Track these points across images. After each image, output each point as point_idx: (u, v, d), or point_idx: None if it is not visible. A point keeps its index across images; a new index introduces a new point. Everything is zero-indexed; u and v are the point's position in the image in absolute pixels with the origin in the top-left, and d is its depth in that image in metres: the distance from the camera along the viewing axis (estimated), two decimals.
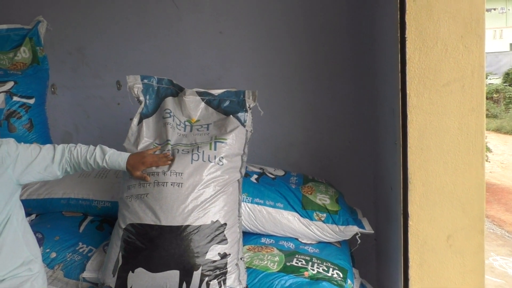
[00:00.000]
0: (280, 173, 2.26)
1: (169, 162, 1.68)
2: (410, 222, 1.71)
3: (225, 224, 1.66)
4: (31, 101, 2.39)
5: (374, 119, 2.38)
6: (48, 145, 1.65)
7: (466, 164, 1.65)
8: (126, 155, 1.67)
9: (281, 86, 2.53)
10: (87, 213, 2.16)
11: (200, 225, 1.62)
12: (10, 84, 2.34)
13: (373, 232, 1.94)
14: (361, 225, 1.96)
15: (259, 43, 2.51)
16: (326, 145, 2.56)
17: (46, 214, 2.16)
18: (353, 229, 1.93)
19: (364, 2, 2.40)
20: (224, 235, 1.64)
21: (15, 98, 2.33)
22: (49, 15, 2.58)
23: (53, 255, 1.91)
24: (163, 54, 2.59)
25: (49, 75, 2.56)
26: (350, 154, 2.55)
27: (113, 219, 2.11)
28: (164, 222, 1.60)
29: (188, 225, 1.60)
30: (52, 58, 2.60)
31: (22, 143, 1.65)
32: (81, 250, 1.94)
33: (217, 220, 1.65)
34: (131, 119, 1.91)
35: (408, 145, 1.67)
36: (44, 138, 2.45)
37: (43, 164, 1.60)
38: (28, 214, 2.14)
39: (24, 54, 2.53)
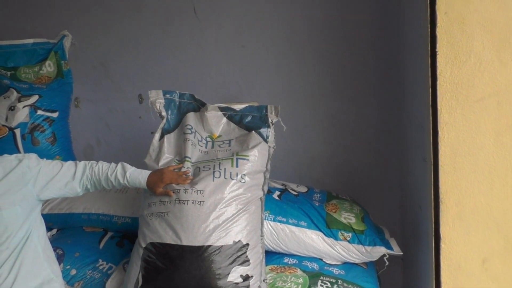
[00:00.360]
0: (303, 189, 2.20)
1: (189, 181, 1.64)
2: (442, 245, 1.62)
3: (248, 244, 1.61)
4: (55, 115, 2.41)
5: (400, 134, 2.30)
6: (69, 162, 1.64)
7: (502, 184, 1.56)
8: (146, 173, 1.65)
9: (304, 100, 2.48)
10: (107, 229, 2.14)
11: (222, 246, 1.57)
12: (34, 98, 2.36)
13: (401, 253, 1.85)
14: (389, 246, 1.87)
15: (281, 57, 2.47)
16: (350, 160, 2.49)
17: (67, 229, 2.15)
18: (381, 250, 1.84)
19: (389, 15, 2.34)
20: (247, 256, 1.59)
21: (39, 112, 2.35)
22: (74, 29, 2.59)
23: (73, 272, 1.89)
24: (185, 67, 2.58)
25: (73, 89, 2.58)
26: (375, 170, 2.46)
27: (133, 235, 2.08)
28: (185, 242, 1.56)
29: (209, 246, 1.56)
30: (76, 72, 2.61)
31: (45, 159, 1.65)
32: (101, 267, 1.92)
33: (239, 240, 1.60)
34: (153, 133, 1.89)
35: (440, 164, 1.59)
36: (66, 151, 2.45)
37: (64, 180, 1.59)
38: (49, 228, 2.14)
39: (49, 68, 2.55)
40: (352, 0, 2.37)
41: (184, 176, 1.65)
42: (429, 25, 1.56)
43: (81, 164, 1.63)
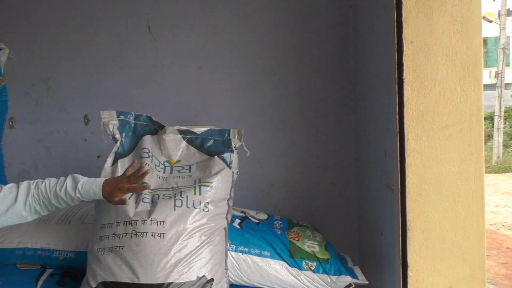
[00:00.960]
0: (263, 216, 2.11)
1: (149, 187, 1.48)
2: (409, 273, 1.60)
3: (212, 279, 1.49)
4: None
5: (361, 160, 2.31)
6: (10, 184, 1.43)
7: (466, 211, 1.58)
8: (100, 181, 1.45)
9: (263, 124, 2.42)
10: (46, 266, 1.89)
11: (185, 282, 1.43)
12: None
13: (367, 282, 1.81)
14: (354, 275, 1.82)
15: (240, 79, 2.42)
16: (308, 186, 2.46)
17: None
18: (346, 280, 1.79)
19: (348, 42, 2.38)
20: None
21: None
22: (12, 42, 2.36)
23: None
24: (137, 88, 2.44)
25: (8, 108, 2.33)
26: (333, 195, 2.45)
27: (76, 271, 1.87)
28: (143, 280, 1.40)
29: (170, 283, 1.41)
30: (12, 90, 2.37)
31: None
32: None
33: (203, 276, 1.47)
34: (99, 157, 1.73)
35: (407, 190, 1.59)
36: None
37: (4, 205, 1.37)
38: None
39: None
40: (312, 25, 2.39)
41: (141, 184, 1.47)
42: (396, 53, 1.58)
43: (23, 184, 1.42)
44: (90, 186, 1.44)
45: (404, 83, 1.56)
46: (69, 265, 1.87)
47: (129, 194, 1.58)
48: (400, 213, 1.62)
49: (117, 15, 2.42)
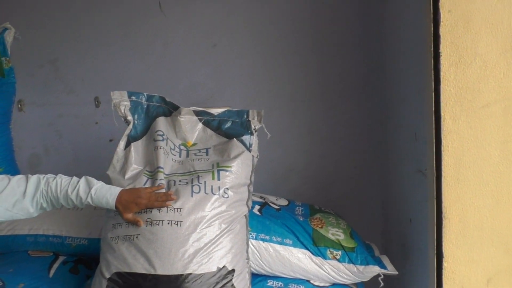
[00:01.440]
0: (284, 202, 2.00)
1: (170, 203, 1.38)
2: (445, 264, 1.48)
3: (233, 270, 1.39)
4: None
5: (386, 143, 2.17)
6: (19, 176, 1.34)
7: (509, 198, 1.45)
8: (116, 191, 1.37)
9: (282, 105, 2.30)
10: (58, 253, 1.83)
11: (204, 273, 1.33)
12: None
13: (396, 273, 1.70)
14: (382, 265, 1.71)
15: (258, 57, 2.28)
16: (329, 171, 2.34)
17: (9, 254, 1.81)
18: (374, 270, 1.68)
19: (372, 15, 2.22)
20: (233, 284, 1.37)
21: None
22: (18, 22, 2.26)
23: None
24: (149, 69, 2.32)
25: (16, 90, 2.24)
26: (356, 181, 2.33)
27: (90, 259, 1.80)
28: (159, 271, 1.31)
29: (189, 274, 1.32)
30: (20, 71, 2.26)
31: None
32: None
33: (223, 266, 1.37)
34: (111, 140, 1.63)
35: (443, 175, 1.46)
36: (7, 161, 2.11)
37: (11, 199, 1.29)
38: None
39: None
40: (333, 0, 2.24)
41: (164, 197, 1.38)
42: (431, 24, 1.43)
43: (33, 178, 1.33)
44: (104, 194, 1.35)
45: (441, 57, 1.42)
46: (82, 252, 1.81)
47: (144, 180, 1.49)
48: (435, 200, 1.49)
49: None
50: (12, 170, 2.12)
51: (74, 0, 2.30)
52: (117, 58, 2.32)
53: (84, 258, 1.82)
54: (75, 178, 1.36)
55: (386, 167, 2.20)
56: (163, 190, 1.42)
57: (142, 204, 1.34)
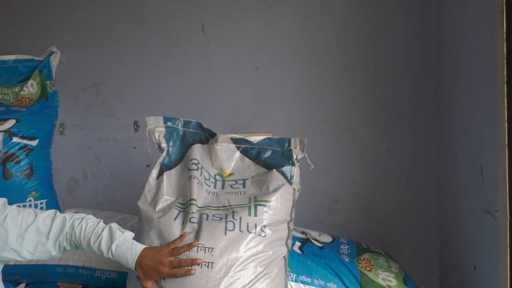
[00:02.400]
0: (328, 239, 1.83)
1: (194, 272, 1.22)
2: None
3: None
4: (34, 143, 2.05)
5: (443, 176, 1.95)
6: (46, 214, 1.26)
7: None
8: (138, 249, 1.23)
9: (327, 132, 2.14)
10: (87, 285, 1.74)
11: None
12: (11, 123, 2.01)
13: None
14: None
15: (302, 81, 2.15)
16: (379, 203, 2.13)
17: (38, 285, 1.74)
18: None
19: (436, 32, 2.03)
20: None
21: (15, 139, 1.99)
22: (63, 46, 2.29)
23: None
24: (190, 92, 2.25)
25: (58, 113, 2.24)
26: (409, 216, 2.10)
27: None
28: None
29: None
30: (63, 95, 2.29)
31: (15, 205, 1.28)
32: None
33: None
34: (148, 166, 1.54)
35: None
36: (45, 186, 2.09)
37: (34, 238, 1.21)
38: (15, 283, 1.75)
39: (31, 88, 2.23)
40: (383, 17, 2.08)
41: (191, 263, 1.24)
42: (504, 45, 1.24)
43: (59, 219, 1.24)
44: (124, 253, 1.23)
45: None
46: (112, 286, 1.71)
47: (176, 213, 1.38)
48: (508, 246, 1.27)
49: (169, 14, 2.25)
50: (49, 194, 2.10)
51: (119, 23, 2.28)
52: (158, 81, 2.27)
53: None
54: (100, 225, 1.25)
55: (445, 203, 1.97)
56: (192, 235, 1.28)
57: (164, 273, 1.21)
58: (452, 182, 1.84)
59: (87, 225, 1.24)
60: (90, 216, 1.28)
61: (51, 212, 1.26)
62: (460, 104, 1.73)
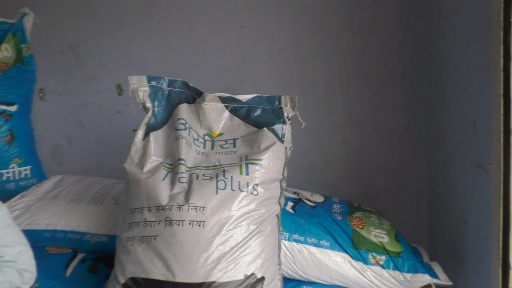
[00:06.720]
0: (320, 199, 1.81)
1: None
2: None
3: (263, 278, 1.22)
4: (13, 109, 1.97)
5: (434, 133, 1.94)
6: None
7: None
8: None
9: (316, 92, 2.10)
10: (77, 249, 1.71)
11: (229, 281, 1.17)
12: None
13: (451, 283, 1.48)
14: (432, 273, 1.50)
15: (289, 39, 2.09)
16: (370, 163, 2.13)
17: None
18: (424, 279, 1.47)
19: None
20: None
21: None
22: (36, 7, 2.16)
23: None
24: (173, 53, 2.17)
25: (36, 78, 2.14)
26: (400, 175, 2.11)
27: (110, 256, 1.67)
28: (179, 278, 1.16)
29: (212, 282, 1.16)
30: (40, 59, 2.17)
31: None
32: None
33: (252, 274, 1.20)
34: (135, 130, 1.47)
35: None
36: (28, 152, 2.02)
37: None
38: None
39: (6, 52, 2.10)
40: None
41: None
42: None
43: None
44: None
45: None
46: (102, 249, 1.69)
47: (164, 173, 1.33)
48: (502, 200, 1.26)
49: None
50: (33, 161, 2.04)
51: None
52: (139, 42, 2.18)
53: (104, 256, 1.70)
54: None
55: (435, 160, 1.96)
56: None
57: None
58: (443, 139, 1.83)
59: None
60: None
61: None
62: (452, 58, 1.69)
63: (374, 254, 1.53)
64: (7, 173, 1.93)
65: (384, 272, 1.51)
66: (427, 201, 2.07)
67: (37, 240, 1.71)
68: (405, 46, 2.03)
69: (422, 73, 2.01)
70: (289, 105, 1.51)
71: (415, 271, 1.49)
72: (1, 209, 1.30)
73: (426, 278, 1.47)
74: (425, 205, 2.07)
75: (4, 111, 1.94)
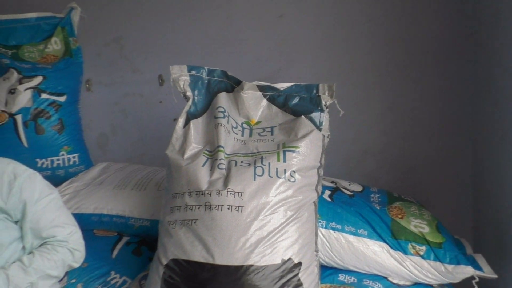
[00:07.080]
0: (358, 188, 1.80)
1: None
2: None
3: (300, 263, 1.23)
4: (62, 99, 2.08)
5: (479, 122, 1.86)
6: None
7: None
8: None
9: (355, 81, 2.07)
10: (122, 233, 1.80)
11: (267, 265, 1.19)
12: (38, 80, 2.04)
13: (496, 276, 1.43)
14: (476, 265, 1.45)
15: (328, 28, 2.07)
16: (409, 154, 2.08)
17: None
18: (467, 271, 1.43)
19: None
20: (299, 279, 1.21)
21: (44, 95, 2.03)
22: (83, 1, 2.25)
23: (79, 287, 1.55)
24: (212, 43, 2.21)
25: (83, 70, 2.25)
26: (442, 165, 2.05)
27: (153, 240, 1.74)
28: (218, 260, 1.19)
29: (250, 265, 1.18)
30: (86, 51, 2.27)
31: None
32: (113, 282, 1.58)
33: (289, 259, 1.22)
34: (175, 120, 1.52)
35: None
36: (76, 141, 2.13)
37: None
38: None
39: (55, 45, 2.22)
40: None
41: None
42: None
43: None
44: None
45: None
46: (145, 233, 1.77)
47: (204, 160, 1.37)
48: None
49: None
50: (81, 149, 2.14)
51: None
52: (179, 34, 2.23)
53: (147, 239, 1.77)
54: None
55: (479, 150, 1.89)
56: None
57: None
58: (489, 128, 1.76)
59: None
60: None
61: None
62: (501, 44, 1.61)
63: (414, 244, 1.51)
64: (57, 160, 2.04)
65: (424, 263, 1.48)
66: (472, 192, 2.00)
67: (85, 223, 1.81)
68: (449, 33, 1.96)
69: (467, 61, 1.93)
70: (327, 93, 1.50)
71: (457, 262, 1.45)
72: (53, 192, 1.39)
73: (469, 270, 1.43)
74: (469, 196, 2.00)
75: (54, 102, 2.05)
